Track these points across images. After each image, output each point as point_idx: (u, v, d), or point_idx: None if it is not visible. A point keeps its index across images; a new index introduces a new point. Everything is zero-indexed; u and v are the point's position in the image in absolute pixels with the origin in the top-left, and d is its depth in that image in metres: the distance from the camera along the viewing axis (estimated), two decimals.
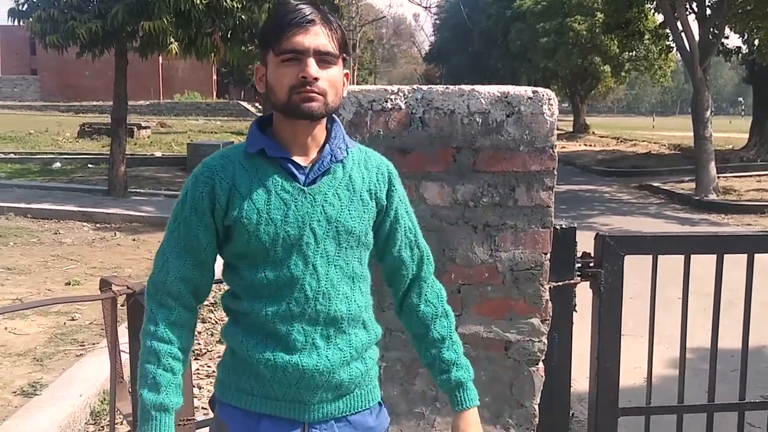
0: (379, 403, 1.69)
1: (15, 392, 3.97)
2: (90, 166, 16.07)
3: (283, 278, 1.55)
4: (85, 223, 9.85)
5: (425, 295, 1.72)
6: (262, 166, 1.57)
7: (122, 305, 2.37)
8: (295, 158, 1.57)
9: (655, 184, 15.15)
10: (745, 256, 2.28)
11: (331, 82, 1.53)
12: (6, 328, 5.09)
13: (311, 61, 1.50)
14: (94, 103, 35.43)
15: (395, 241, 1.69)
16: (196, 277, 1.60)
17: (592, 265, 2.15)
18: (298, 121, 1.54)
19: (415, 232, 1.71)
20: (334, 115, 1.63)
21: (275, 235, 1.54)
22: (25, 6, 11.39)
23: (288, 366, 1.53)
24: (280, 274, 1.55)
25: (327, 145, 1.59)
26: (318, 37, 1.51)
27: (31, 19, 11.02)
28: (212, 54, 12.44)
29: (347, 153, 1.61)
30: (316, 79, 1.50)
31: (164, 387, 1.53)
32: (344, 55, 1.59)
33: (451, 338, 1.72)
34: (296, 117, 1.53)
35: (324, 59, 1.51)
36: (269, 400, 1.57)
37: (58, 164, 16.28)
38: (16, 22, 11.68)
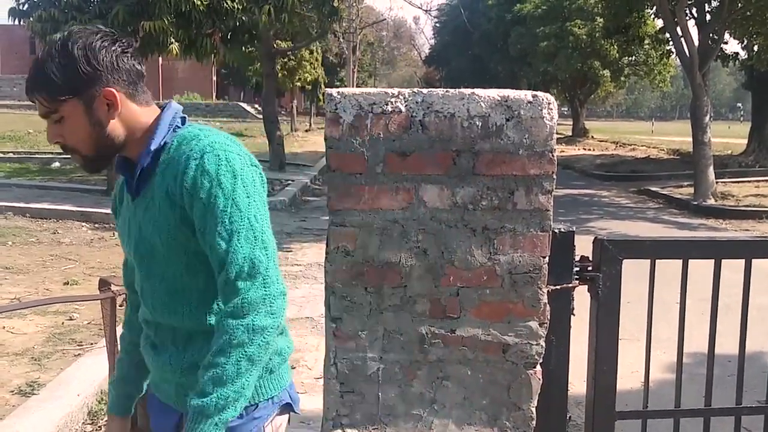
0: (256, 404, 1.60)
1: (12, 391, 3.97)
2: None
3: (139, 285, 1.66)
4: (83, 223, 9.85)
5: (220, 305, 1.62)
6: (126, 182, 1.67)
7: (121, 305, 2.37)
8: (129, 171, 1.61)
9: (654, 189, 15.18)
10: (743, 261, 2.28)
11: (71, 133, 1.51)
12: (4, 328, 5.08)
13: (48, 129, 1.53)
14: None
15: (205, 244, 1.55)
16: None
17: (590, 269, 2.15)
18: None
19: (221, 244, 1.48)
20: (170, 108, 1.60)
21: (127, 250, 1.67)
22: (26, 6, 11.40)
23: (154, 361, 1.66)
24: (138, 282, 1.67)
25: (144, 150, 1.55)
26: (39, 106, 1.50)
27: (31, 19, 11.03)
28: (212, 55, 12.46)
29: (158, 156, 1.54)
30: (56, 142, 1.54)
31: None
32: (69, 96, 1.47)
33: (212, 358, 1.54)
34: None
35: (53, 119, 1.50)
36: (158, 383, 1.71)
37: (57, 164, 16.28)
38: (16, 22, 11.69)
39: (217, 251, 1.46)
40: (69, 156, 1.58)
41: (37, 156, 17.18)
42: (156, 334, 1.64)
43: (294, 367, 4.47)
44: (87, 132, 1.51)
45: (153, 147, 1.53)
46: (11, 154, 17.45)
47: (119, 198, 1.70)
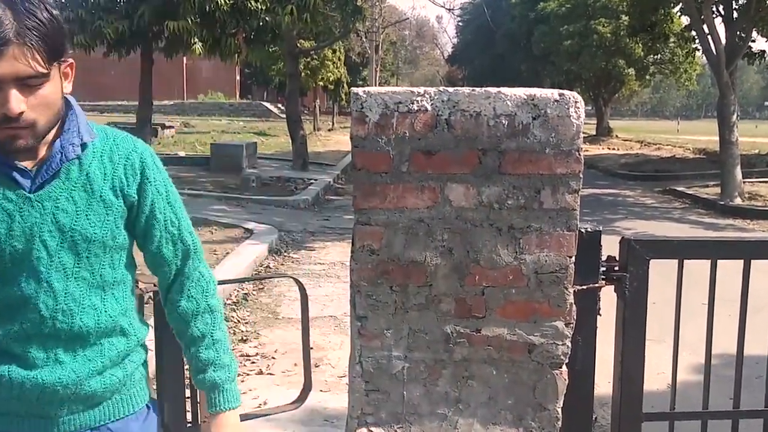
0: (148, 405, 1.59)
1: None
2: None
3: (14, 297, 1.38)
4: None
5: (187, 290, 1.58)
6: None
7: (146, 303, 2.40)
8: (21, 161, 1.36)
9: (680, 189, 15.01)
10: None
11: (43, 104, 1.32)
12: None
13: (11, 95, 1.27)
14: (119, 102, 35.79)
15: (153, 237, 1.53)
16: None
17: (616, 269, 2.14)
18: None
19: (179, 224, 1.56)
20: (70, 99, 1.42)
21: (0, 252, 1.36)
22: None
23: (26, 382, 1.39)
24: (10, 293, 1.38)
25: (57, 141, 1.38)
26: (16, 62, 1.26)
27: None
28: (236, 55, 12.53)
29: (86, 147, 1.42)
30: (21, 113, 1.29)
31: None
32: (57, 62, 1.34)
33: (212, 336, 1.60)
34: (1, 152, 1.34)
35: (27, 83, 1.29)
36: (11, 416, 1.43)
37: None
38: None
39: (182, 239, 1.58)
40: (11, 129, 1.31)
41: None
42: (47, 346, 1.41)
43: (318, 366, 4.49)
44: (58, 102, 1.37)
45: (86, 137, 1.42)
46: None
47: None
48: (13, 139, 1.31)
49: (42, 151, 1.39)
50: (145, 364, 1.60)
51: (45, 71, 1.30)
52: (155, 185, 1.50)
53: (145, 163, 1.49)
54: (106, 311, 1.45)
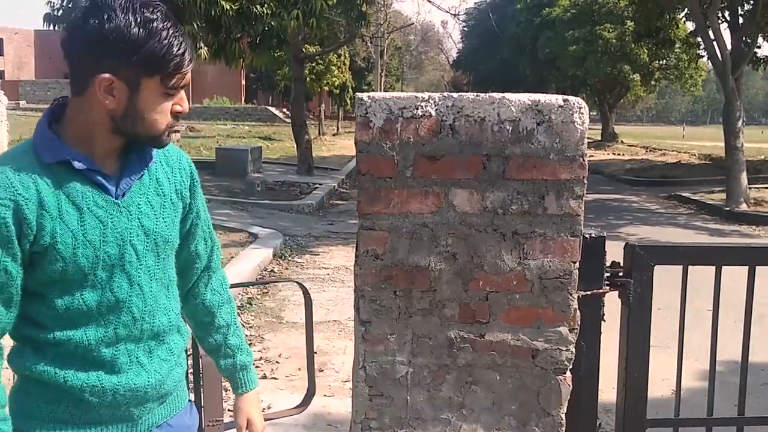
0: (189, 401, 1.69)
1: None
2: None
3: (107, 302, 1.41)
4: None
5: (212, 283, 1.71)
6: (65, 179, 1.37)
7: None
8: (104, 169, 1.42)
9: (685, 195, 14.98)
10: None
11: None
12: None
13: (184, 96, 1.45)
14: None
15: (195, 236, 1.64)
16: (2, 317, 1.38)
17: (621, 274, 2.14)
18: (125, 139, 1.42)
19: (209, 223, 1.69)
20: None
21: (95, 258, 1.38)
22: (60, 11, 11.59)
23: (118, 388, 1.44)
24: (103, 299, 1.41)
25: (132, 150, 1.45)
26: (189, 71, 1.44)
27: (65, 25, 11.20)
28: (241, 59, 12.56)
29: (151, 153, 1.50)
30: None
31: None
32: None
33: (234, 324, 1.75)
34: (150, 145, 1.45)
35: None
36: (94, 425, 1.45)
37: None
38: (51, 27, 11.89)
39: (211, 236, 1.69)
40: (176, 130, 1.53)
41: None
42: (130, 349, 1.46)
43: (321, 370, 4.49)
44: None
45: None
46: None
47: (55, 203, 1.37)
48: (171, 133, 1.46)
49: (114, 159, 1.44)
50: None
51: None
52: (198, 186, 1.63)
53: (191, 165, 1.62)
54: (172, 309, 1.54)
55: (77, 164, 1.37)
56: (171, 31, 1.36)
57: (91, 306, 1.40)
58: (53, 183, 1.36)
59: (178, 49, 1.37)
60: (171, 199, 1.52)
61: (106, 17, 1.30)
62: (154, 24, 1.33)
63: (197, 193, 1.61)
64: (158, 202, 1.48)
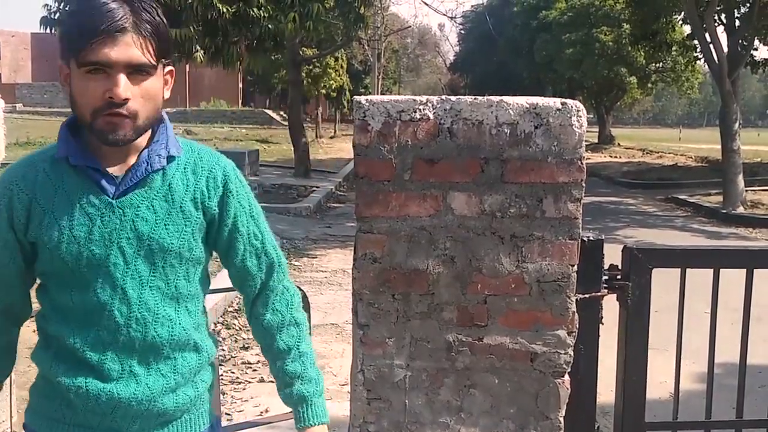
0: (212, 426, 1.57)
1: None
2: None
3: (90, 303, 1.38)
4: None
5: (272, 303, 1.59)
6: (67, 175, 1.38)
7: None
8: (110, 167, 1.39)
9: (682, 197, 14.99)
10: None
11: (146, 96, 1.35)
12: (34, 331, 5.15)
13: (121, 78, 1.30)
14: None
15: (237, 251, 1.53)
16: (1, 297, 1.44)
17: (619, 277, 2.14)
18: None
19: (262, 238, 1.56)
20: (163, 113, 1.45)
21: (78, 255, 1.36)
22: (57, 14, 11.58)
23: (101, 395, 1.39)
24: (86, 298, 1.38)
25: (145, 150, 1.41)
26: (129, 48, 1.30)
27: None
28: (238, 63, 12.57)
29: (172, 160, 1.44)
30: (126, 99, 1.31)
31: None
32: (164, 59, 1.39)
33: (298, 349, 1.59)
34: (101, 143, 1.36)
35: (138, 70, 1.32)
36: (83, 428, 1.42)
37: None
38: (47, 30, 11.88)
39: (266, 253, 1.58)
40: (113, 116, 1.32)
41: None
42: (122, 357, 1.41)
43: None
44: (159, 101, 1.40)
45: (174, 151, 1.45)
46: None
47: (51, 196, 1.39)
48: (114, 128, 1.33)
49: (132, 159, 1.40)
50: (212, 385, 1.58)
51: (154, 63, 1.34)
52: (238, 199, 1.51)
53: (228, 177, 1.50)
54: (180, 323, 1.45)
55: (72, 160, 1.37)
56: (92, 3, 1.30)
57: (77, 304, 1.39)
58: (56, 177, 1.38)
59: (90, 19, 1.28)
60: (182, 207, 1.43)
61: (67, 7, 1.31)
62: (83, 2, 1.31)
63: (232, 206, 1.49)
64: (164, 208, 1.41)
